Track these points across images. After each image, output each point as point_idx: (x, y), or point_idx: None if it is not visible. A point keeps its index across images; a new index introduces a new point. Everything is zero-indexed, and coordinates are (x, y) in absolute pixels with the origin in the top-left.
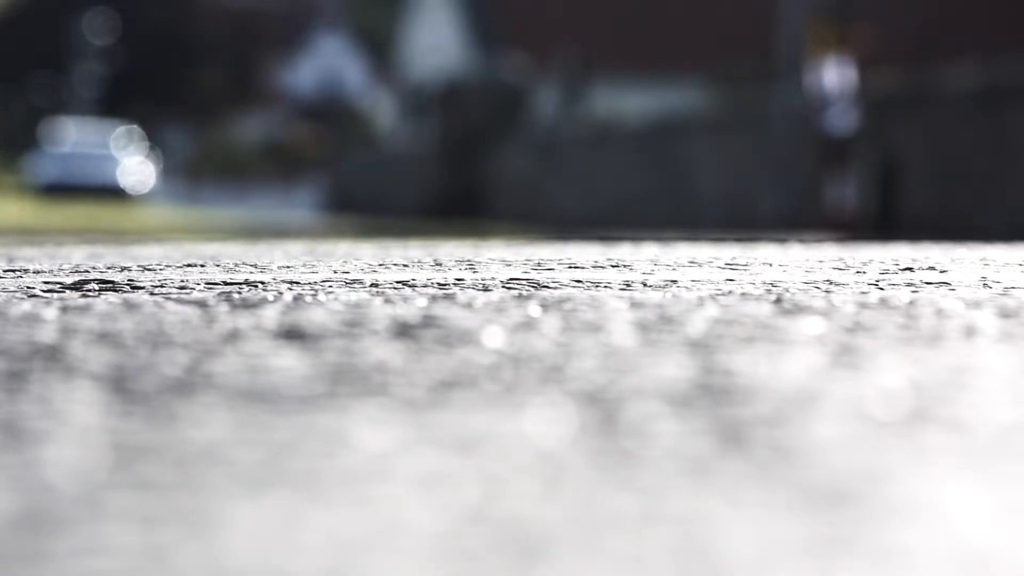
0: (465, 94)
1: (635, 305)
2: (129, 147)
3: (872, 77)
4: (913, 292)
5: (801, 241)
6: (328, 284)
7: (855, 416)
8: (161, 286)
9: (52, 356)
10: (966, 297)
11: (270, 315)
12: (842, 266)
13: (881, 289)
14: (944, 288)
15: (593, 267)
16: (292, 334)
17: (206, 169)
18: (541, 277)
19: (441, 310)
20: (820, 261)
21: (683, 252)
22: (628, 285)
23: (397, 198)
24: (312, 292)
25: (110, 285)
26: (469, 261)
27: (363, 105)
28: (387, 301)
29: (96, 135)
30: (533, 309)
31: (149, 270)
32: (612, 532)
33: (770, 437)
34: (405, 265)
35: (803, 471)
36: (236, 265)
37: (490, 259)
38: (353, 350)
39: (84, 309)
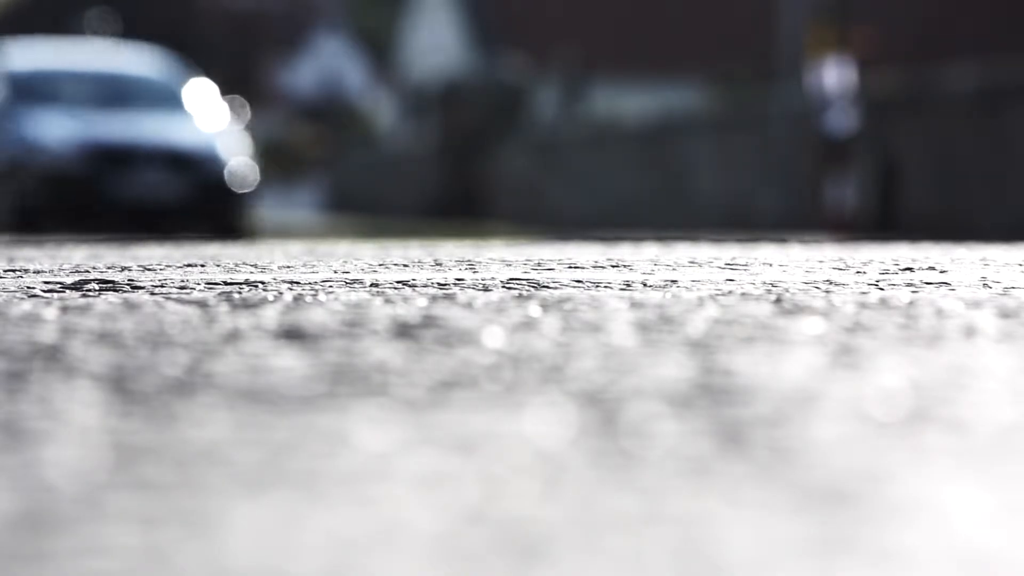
0: (465, 94)
1: (635, 305)
2: None
3: (872, 77)
4: (913, 292)
5: (801, 241)
6: (328, 284)
7: (855, 416)
8: (161, 286)
9: (52, 356)
10: (966, 297)
11: (270, 315)
12: (842, 266)
13: (881, 289)
14: (944, 288)
15: (593, 267)
16: (292, 334)
17: None
18: (541, 277)
19: (441, 310)
20: (820, 261)
21: (683, 252)
22: (628, 285)
23: (397, 198)
24: (312, 292)
25: (110, 285)
26: (469, 261)
27: (363, 105)
28: (387, 301)
29: None
30: (533, 309)
31: (149, 270)
32: (612, 532)
33: (770, 437)
34: (405, 265)
35: (803, 471)
36: (236, 265)
37: (490, 259)
38: (353, 350)
39: (84, 309)
